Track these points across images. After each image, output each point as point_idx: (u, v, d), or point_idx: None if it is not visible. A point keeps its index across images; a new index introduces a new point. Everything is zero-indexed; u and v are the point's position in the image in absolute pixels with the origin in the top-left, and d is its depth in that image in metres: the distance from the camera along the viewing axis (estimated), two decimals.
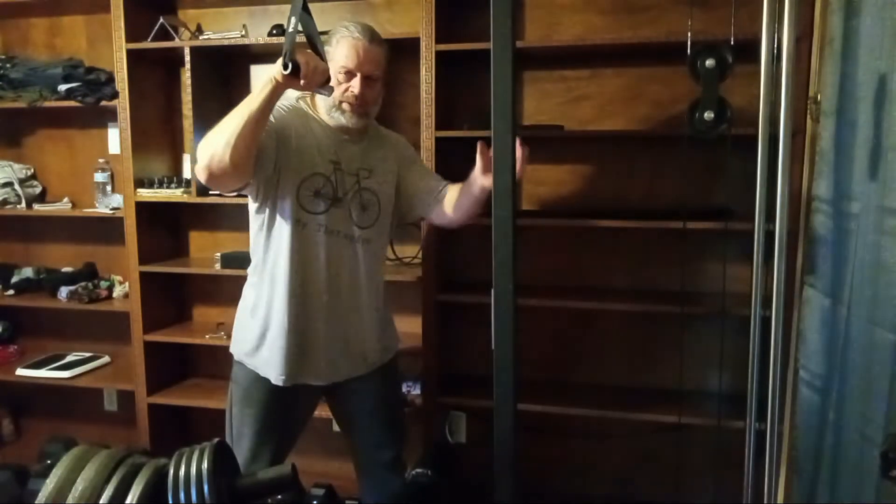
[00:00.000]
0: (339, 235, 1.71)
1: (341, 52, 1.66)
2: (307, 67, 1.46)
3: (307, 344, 1.72)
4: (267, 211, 1.69)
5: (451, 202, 1.79)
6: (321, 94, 1.65)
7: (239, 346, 1.79)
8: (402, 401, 2.22)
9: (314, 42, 1.54)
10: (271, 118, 1.57)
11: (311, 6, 1.51)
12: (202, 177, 1.55)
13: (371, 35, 1.69)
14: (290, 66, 1.43)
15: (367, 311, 1.81)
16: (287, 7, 2.50)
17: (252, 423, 1.75)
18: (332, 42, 1.68)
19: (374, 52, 1.69)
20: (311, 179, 1.67)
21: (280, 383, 1.72)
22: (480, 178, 1.65)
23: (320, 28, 1.57)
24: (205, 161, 1.51)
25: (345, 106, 1.69)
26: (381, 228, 1.80)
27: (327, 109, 1.71)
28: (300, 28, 1.47)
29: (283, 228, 1.67)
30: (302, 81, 1.47)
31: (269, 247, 1.70)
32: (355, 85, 1.67)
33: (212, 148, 1.49)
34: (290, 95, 1.67)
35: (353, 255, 1.74)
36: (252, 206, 1.73)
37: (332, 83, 1.65)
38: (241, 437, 1.76)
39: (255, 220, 1.73)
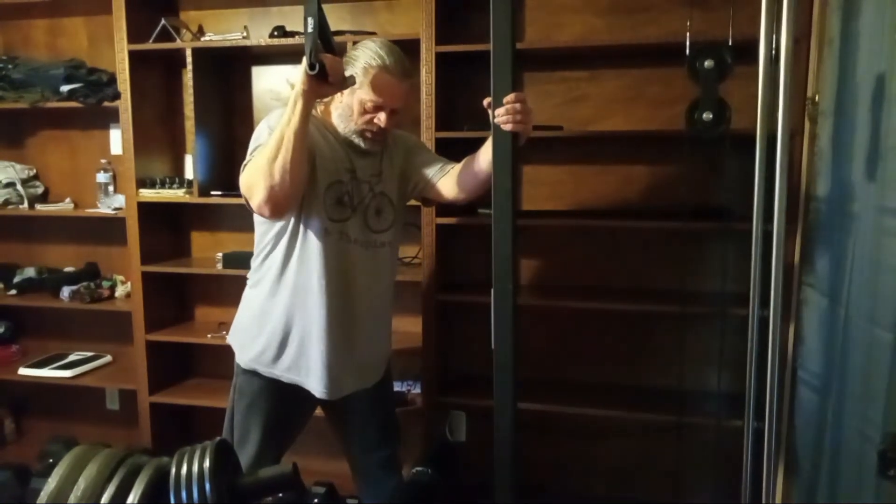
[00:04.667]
0: (359, 244, 1.70)
1: (373, 85, 1.61)
2: (332, 64, 1.42)
3: (349, 355, 1.72)
4: (290, 220, 1.66)
5: (460, 175, 1.75)
6: (346, 88, 1.59)
7: (249, 355, 1.76)
8: (395, 399, 2.22)
9: (328, 39, 1.50)
10: None
11: None
12: (266, 211, 1.53)
13: (404, 69, 1.64)
14: (315, 66, 1.38)
15: (388, 316, 1.85)
16: (288, 8, 2.56)
17: (257, 428, 1.75)
18: (357, 64, 1.63)
19: (404, 88, 1.66)
20: (334, 187, 1.66)
21: (325, 396, 1.72)
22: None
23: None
24: (264, 194, 1.50)
25: (367, 134, 1.67)
26: (396, 227, 1.81)
27: (346, 132, 1.68)
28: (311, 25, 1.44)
29: (308, 237, 1.65)
30: (330, 79, 1.43)
31: (293, 256, 1.67)
32: (381, 119, 1.64)
33: (267, 180, 1.48)
34: None
35: (377, 262, 1.74)
36: None
37: (356, 111, 1.63)
38: (244, 442, 1.75)
39: (271, 228, 1.69)
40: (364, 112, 1.64)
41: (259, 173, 1.50)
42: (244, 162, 1.61)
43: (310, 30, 1.39)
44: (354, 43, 1.77)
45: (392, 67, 1.62)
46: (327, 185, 1.65)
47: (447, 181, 1.78)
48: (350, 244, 1.69)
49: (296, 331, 1.70)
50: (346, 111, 1.66)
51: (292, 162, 1.46)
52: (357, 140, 1.68)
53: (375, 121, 1.64)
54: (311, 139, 1.60)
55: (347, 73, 1.56)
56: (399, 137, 1.86)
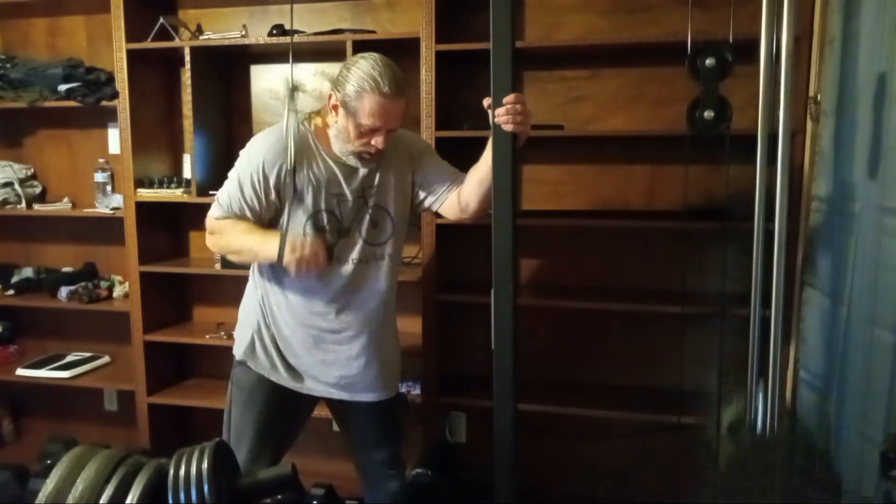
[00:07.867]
0: (351, 263, 1.70)
1: (368, 109, 1.55)
2: (300, 267, 1.55)
3: (325, 367, 1.75)
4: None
5: (465, 190, 1.73)
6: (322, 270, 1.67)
7: (240, 346, 1.79)
8: (399, 400, 2.22)
9: (322, 227, 1.68)
10: (272, 178, 1.62)
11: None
12: (212, 250, 1.83)
13: (398, 88, 1.56)
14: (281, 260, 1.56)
15: (391, 323, 1.85)
16: (287, 7, 2.55)
17: (254, 424, 1.75)
18: (349, 86, 1.56)
19: (400, 107, 1.60)
20: (315, 217, 1.66)
21: (304, 391, 1.77)
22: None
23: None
24: (214, 248, 1.79)
25: (365, 156, 1.65)
26: (398, 238, 1.78)
27: (343, 153, 1.66)
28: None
29: None
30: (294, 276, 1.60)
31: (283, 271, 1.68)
32: (378, 141, 1.60)
33: (220, 249, 1.81)
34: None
35: (375, 276, 1.74)
36: None
37: (353, 134, 1.60)
38: (241, 439, 1.75)
39: None
40: (361, 135, 1.60)
41: (220, 247, 1.77)
42: (219, 192, 1.69)
43: (284, 229, 1.61)
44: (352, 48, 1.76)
45: (386, 89, 1.54)
46: (309, 216, 1.66)
47: (455, 199, 1.76)
48: (342, 264, 1.70)
49: (268, 329, 1.75)
50: (342, 133, 1.63)
51: (241, 260, 1.76)
52: (354, 161, 1.67)
53: (373, 142, 1.61)
54: (295, 178, 1.63)
55: (339, 93, 1.57)
56: (402, 140, 1.78)
